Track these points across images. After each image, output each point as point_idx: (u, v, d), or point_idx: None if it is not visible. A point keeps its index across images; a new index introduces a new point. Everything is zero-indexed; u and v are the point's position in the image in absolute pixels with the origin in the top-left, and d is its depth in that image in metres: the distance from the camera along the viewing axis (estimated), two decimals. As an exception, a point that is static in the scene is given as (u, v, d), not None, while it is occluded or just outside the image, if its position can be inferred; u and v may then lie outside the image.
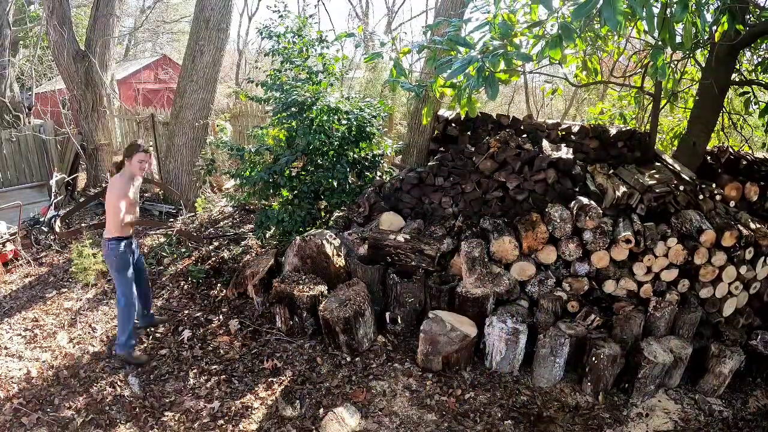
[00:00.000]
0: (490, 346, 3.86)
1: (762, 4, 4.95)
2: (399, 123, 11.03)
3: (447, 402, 3.58)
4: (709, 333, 4.25)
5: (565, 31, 2.69)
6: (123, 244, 3.83)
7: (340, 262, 4.45)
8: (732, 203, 4.72)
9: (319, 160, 5.16)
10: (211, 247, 5.80)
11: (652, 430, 3.52)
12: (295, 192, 5.17)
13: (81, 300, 4.92)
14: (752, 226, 4.41)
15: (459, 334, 3.80)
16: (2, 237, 5.82)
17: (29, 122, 10.29)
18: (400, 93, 10.61)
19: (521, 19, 3.53)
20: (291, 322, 4.20)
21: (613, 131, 5.12)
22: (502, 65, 2.94)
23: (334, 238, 4.53)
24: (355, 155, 5.33)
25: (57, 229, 6.24)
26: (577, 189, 4.46)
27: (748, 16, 4.27)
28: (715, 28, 4.25)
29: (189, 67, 7.23)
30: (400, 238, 4.34)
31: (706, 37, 4.42)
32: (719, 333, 4.25)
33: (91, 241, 5.33)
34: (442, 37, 3.31)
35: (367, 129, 5.24)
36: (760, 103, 5.43)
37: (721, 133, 6.39)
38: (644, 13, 2.62)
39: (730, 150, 5.48)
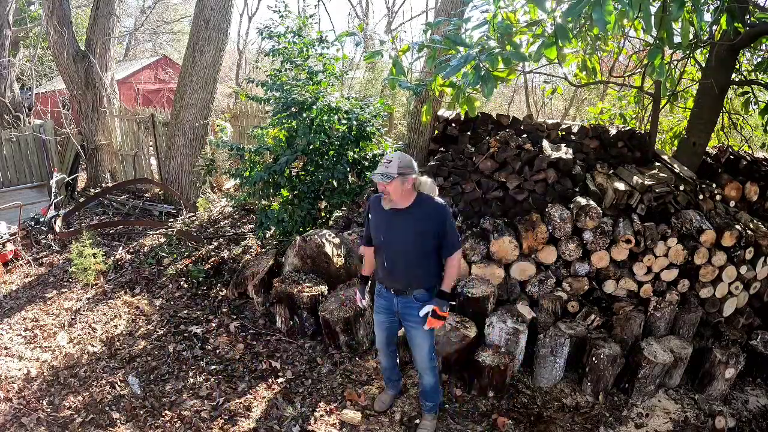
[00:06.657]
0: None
1: (762, 4, 4.95)
2: (399, 123, 11.05)
3: (447, 402, 3.57)
4: (709, 333, 4.25)
5: (560, 31, 2.69)
6: None
7: (340, 262, 4.45)
8: (732, 203, 4.72)
9: (319, 160, 5.16)
10: (211, 247, 5.80)
11: (652, 430, 3.52)
12: (295, 192, 5.16)
13: (81, 300, 4.92)
14: (752, 226, 4.41)
15: (459, 334, 3.80)
16: (2, 237, 5.82)
17: (29, 122, 10.29)
18: (400, 93, 10.62)
19: (521, 19, 3.53)
20: (291, 322, 4.20)
21: (613, 131, 5.11)
22: (500, 65, 2.94)
23: (334, 238, 4.53)
24: (355, 155, 5.32)
25: (57, 229, 6.24)
26: (577, 189, 4.46)
27: (747, 16, 4.26)
28: (714, 27, 4.25)
29: (189, 67, 7.24)
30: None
31: (705, 37, 4.42)
32: (719, 333, 4.25)
33: (91, 241, 5.33)
34: (442, 36, 3.31)
35: (368, 129, 5.24)
36: (760, 103, 5.42)
37: (721, 133, 6.39)
38: (639, 12, 2.61)
39: (730, 150, 5.47)
